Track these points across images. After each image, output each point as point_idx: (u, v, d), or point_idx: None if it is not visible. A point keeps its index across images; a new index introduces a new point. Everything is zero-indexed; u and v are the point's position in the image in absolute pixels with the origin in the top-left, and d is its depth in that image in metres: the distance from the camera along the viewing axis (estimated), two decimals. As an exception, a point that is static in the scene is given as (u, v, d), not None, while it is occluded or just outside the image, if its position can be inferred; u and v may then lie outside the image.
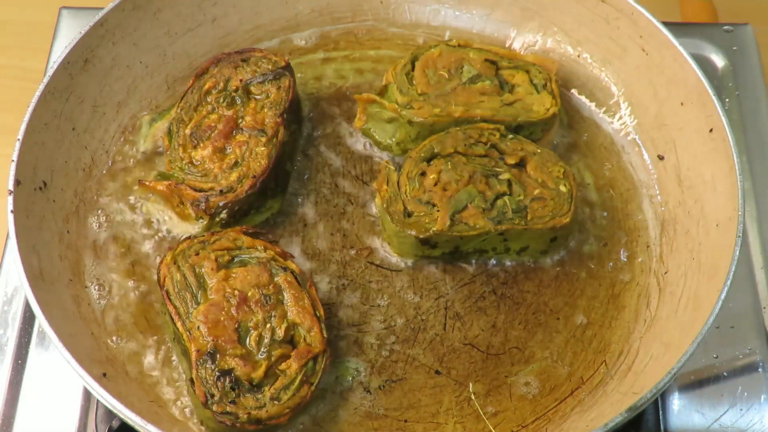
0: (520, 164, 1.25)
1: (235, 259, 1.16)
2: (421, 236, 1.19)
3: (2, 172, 1.17)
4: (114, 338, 1.17)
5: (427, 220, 1.20)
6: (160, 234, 1.25)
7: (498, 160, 1.25)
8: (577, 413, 1.13)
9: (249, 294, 1.12)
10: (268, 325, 1.11)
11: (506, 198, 1.22)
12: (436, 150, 1.25)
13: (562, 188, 1.23)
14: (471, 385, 1.16)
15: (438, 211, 1.20)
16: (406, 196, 1.22)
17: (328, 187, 1.31)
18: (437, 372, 1.17)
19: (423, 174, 1.24)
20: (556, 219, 1.21)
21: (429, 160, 1.25)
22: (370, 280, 1.23)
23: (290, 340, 1.11)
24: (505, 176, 1.24)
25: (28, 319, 1.28)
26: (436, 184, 1.22)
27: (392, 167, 1.25)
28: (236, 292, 1.12)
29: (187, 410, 1.12)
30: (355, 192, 1.30)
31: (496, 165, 1.25)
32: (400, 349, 1.18)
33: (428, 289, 1.23)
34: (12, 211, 1.13)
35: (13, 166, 1.16)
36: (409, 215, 1.21)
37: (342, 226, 1.28)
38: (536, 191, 1.23)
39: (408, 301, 1.22)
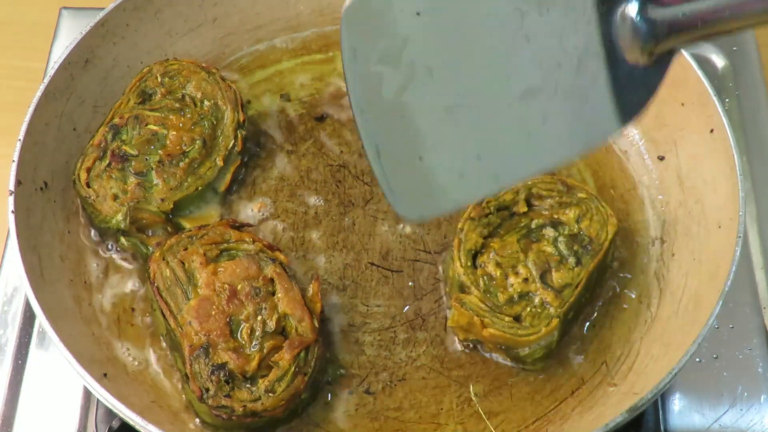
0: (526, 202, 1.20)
1: (224, 253, 1.16)
2: (557, 329, 1.13)
3: (3, 173, 1.18)
4: (115, 338, 1.17)
5: (541, 311, 1.13)
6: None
7: (512, 215, 1.20)
8: (578, 414, 1.13)
9: (239, 287, 1.12)
10: (259, 317, 1.11)
11: (561, 235, 1.18)
12: (471, 249, 1.17)
13: (580, 194, 1.21)
14: (472, 386, 1.16)
15: (539, 295, 1.14)
16: (499, 307, 1.14)
17: (328, 187, 1.31)
18: (438, 373, 1.17)
19: (490, 277, 1.16)
20: (609, 225, 1.18)
21: (474, 263, 1.17)
22: (370, 281, 1.23)
23: (282, 332, 1.12)
24: (539, 221, 1.19)
25: (28, 319, 1.28)
26: (507, 278, 1.15)
27: (462, 301, 1.14)
28: (226, 285, 1.12)
29: (187, 409, 1.12)
30: (356, 192, 1.30)
31: (518, 220, 1.20)
32: (400, 350, 1.18)
33: (429, 290, 1.23)
34: (13, 212, 1.13)
35: (13, 166, 1.16)
36: (519, 319, 1.13)
37: (343, 225, 1.28)
38: (565, 215, 1.19)
39: (409, 301, 1.22)
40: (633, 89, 0.92)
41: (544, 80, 0.93)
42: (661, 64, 0.91)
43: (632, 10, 0.88)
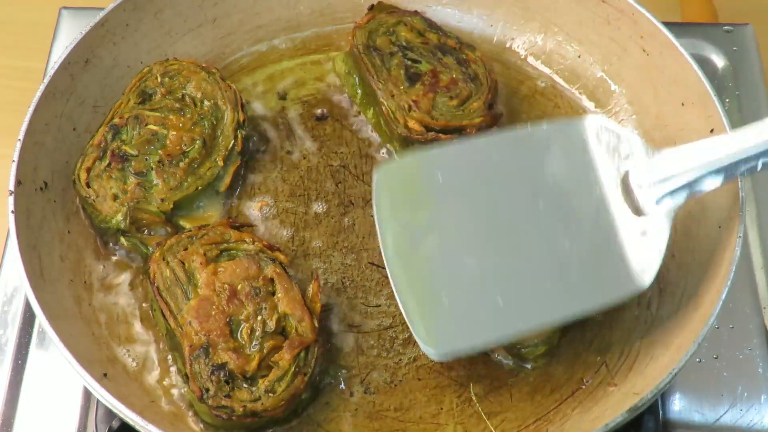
0: None
1: (224, 253, 1.16)
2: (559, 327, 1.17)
3: (3, 173, 1.17)
4: (114, 338, 1.17)
5: None
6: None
7: None
8: (578, 414, 1.13)
9: (239, 287, 1.12)
10: (259, 318, 1.11)
11: None
12: None
13: None
14: (472, 386, 1.16)
15: None
16: None
17: (329, 187, 1.31)
18: (438, 373, 1.16)
19: None
20: None
21: None
22: (370, 281, 1.23)
23: (282, 332, 1.12)
24: None
25: (28, 319, 1.28)
26: None
27: None
28: (226, 285, 1.12)
29: (187, 409, 1.12)
30: (356, 192, 1.30)
31: None
32: (401, 350, 1.18)
33: (429, 290, 1.23)
34: (13, 212, 1.13)
35: (13, 166, 1.16)
36: None
37: (343, 226, 1.28)
38: None
39: (409, 301, 1.22)
40: (644, 242, 1.05)
41: (558, 236, 1.06)
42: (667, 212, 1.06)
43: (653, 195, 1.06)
